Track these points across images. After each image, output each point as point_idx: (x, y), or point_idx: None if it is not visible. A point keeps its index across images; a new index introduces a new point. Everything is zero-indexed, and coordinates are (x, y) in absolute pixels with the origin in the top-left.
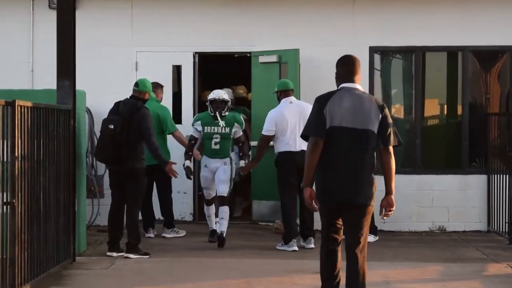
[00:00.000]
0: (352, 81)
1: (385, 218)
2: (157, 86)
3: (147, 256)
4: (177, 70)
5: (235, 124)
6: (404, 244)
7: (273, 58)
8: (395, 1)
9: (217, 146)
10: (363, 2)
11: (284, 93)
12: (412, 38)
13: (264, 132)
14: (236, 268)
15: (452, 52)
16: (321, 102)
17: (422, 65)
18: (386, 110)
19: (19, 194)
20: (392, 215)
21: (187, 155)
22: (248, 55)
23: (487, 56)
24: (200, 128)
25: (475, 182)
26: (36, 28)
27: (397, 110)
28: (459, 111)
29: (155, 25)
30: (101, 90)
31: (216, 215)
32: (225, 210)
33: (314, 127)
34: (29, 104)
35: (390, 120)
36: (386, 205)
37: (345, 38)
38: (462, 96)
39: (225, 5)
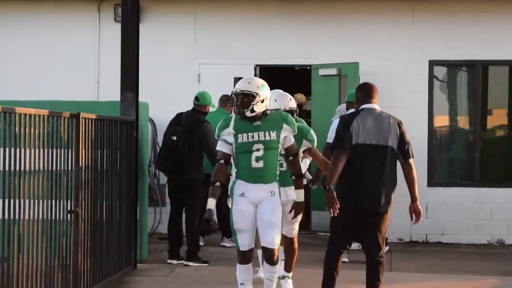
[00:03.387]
0: (370, 102)
1: (416, 223)
2: (228, 99)
3: (206, 264)
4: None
5: (284, 125)
6: (462, 257)
7: (333, 71)
8: (454, 15)
9: (260, 163)
10: (423, 16)
11: (353, 105)
12: (472, 52)
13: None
14: (292, 277)
15: None
16: (348, 120)
17: (482, 78)
18: (403, 127)
19: (83, 202)
20: (451, 227)
21: (214, 189)
22: (308, 68)
23: None
24: (231, 139)
25: None
26: (102, 40)
27: (456, 122)
28: None
29: (217, 37)
30: (164, 101)
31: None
32: (274, 271)
33: (343, 142)
34: (93, 116)
35: (407, 136)
36: (414, 211)
37: (405, 52)
38: None
39: (285, 18)
